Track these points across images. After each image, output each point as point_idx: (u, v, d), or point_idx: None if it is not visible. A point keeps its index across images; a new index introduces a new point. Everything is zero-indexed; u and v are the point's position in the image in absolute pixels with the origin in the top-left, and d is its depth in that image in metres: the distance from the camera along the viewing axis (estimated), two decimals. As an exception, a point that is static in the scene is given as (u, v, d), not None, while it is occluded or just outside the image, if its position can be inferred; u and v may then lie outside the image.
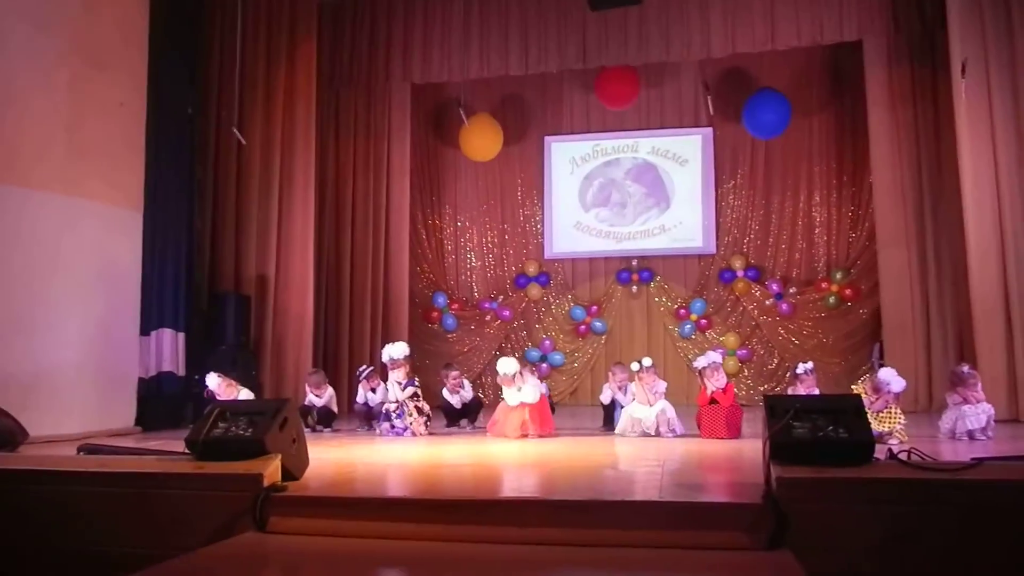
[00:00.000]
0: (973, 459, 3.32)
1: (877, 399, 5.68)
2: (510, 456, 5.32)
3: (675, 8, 9.64)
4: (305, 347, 9.20)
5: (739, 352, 11.08)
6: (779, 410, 3.45)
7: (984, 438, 5.65)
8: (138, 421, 7.18)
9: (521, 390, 6.50)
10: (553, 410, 7.18)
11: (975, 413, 5.67)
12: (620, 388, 6.86)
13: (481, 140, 11.17)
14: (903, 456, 3.32)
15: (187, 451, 3.90)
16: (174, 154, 8.03)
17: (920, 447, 3.79)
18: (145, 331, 7.46)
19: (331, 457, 5.12)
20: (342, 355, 10.21)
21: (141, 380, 7.36)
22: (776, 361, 11.08)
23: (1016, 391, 7.61)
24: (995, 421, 5.84)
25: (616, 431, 6.50)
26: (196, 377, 7.84)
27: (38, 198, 6.39)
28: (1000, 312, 7.78)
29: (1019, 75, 7.83)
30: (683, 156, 11.60)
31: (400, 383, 6.75)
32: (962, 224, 8.17)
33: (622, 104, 11.21)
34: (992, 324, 7.79)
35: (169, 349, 7.67)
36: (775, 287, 11.06)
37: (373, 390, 7.28)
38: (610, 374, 7.10)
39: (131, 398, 7.18)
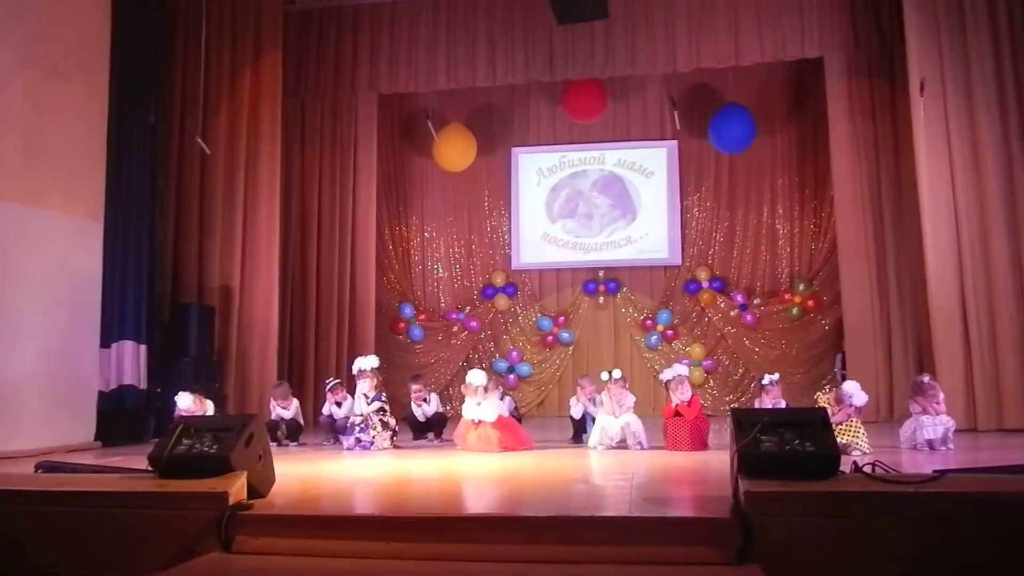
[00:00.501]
0: (935, 472, 3.38)
1: (839, 411, 5.76)
2: (478, 471, 5.29)
3: (641, 23, 9.74)
4: (270, 359, 9.08)
5: (705, 363, 11.18)
6: (746, 424, 3.49)
7: (944, 449, 5.76)
8: (98, 436, 7.03)
9: (480, 405, 6.45)
10: (519, 423, 7.16)
11: (933, 424, 5.78)
12: (589, 399, 6.87)
13: (455, 150, 11.15)
14: (868, 469, 3.37)
15: (150, 468, 3.83)
16: (136, 163, 7.89)
17: (882, 458, 3.86)
18: (106, 343, 7.31)
19: (297, 473, 5.06)
20: (308, 367, 10.10)
21: (101, 394, 7.20)
22: (741, 371, 11.21)
23: (974, 401, 7.77)
24: (954, 432, 5.95)
25: (589, 443, 6.48)
26: (158, 390, 7.71)
27: (-6, 208, 6.25)
28: (958, 323, 7.94)
29: (974, 91, 8.03)
30: (649, 168, 11.70)
31: (367, 395, 6.69)
32: (921, 237, 8.34)
33: (589, 117, 11.29)
34: (950, 335, 7.96)
35: (130, 362, 7.51)
36: (739, 298, 11.19)
37: (339, 403, 7.19)
38: (578, 388, 7.09)
39: (91, 412, 7.03)
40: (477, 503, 4.21)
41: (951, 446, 5.82)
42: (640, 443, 6.25)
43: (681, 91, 11.37)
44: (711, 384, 11.22)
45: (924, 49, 8.16)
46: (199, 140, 8.31)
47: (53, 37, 6.75)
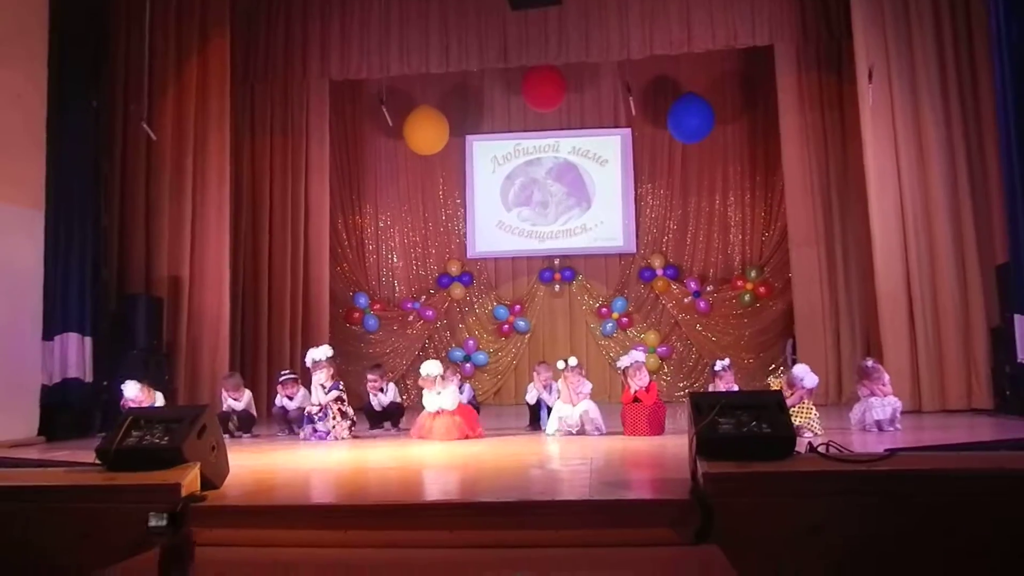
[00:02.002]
0: (887, 450, 3.45)
1: (791, 394, 5.86)
2: (436, 458, 5.27)
3: (594, 10, 9.75)
4: (221, 350, 8.89)
5: (659, 349, 11.29)
6: (704, 407, 3.52)
7: (892, 429, 5.91)
8: (41, 430, 6.81)
9: (440, 394, 6.43)
10: (478, 411, 7.15)
11: (881, 405, 5.93)
12: (545, 387, 6.88)
13: (427, 132, 11.00)
14: (822, 449, 3.43)
15: (98, 462, 3.72)
16: (78, 149, 7.59)
17: (833, 439, 3.93)
18: (48, 336, 7.07)
19: (252, 464, 4.97)
20: (260, 358, 9.93)
21: (44, 387, 6.97)
22: (695, 358, 11.35)
23: (919, 383, 7.99)
24: (901, 412, 6.11)
25: (546, 430, 6.50)
26: (105, 383, 7.50)
27: (-72, 195, 6.00)
28: (904, 308, 8.15)
29: (919, 83, 8.22)
30: (603, 156, 11.75)
31: (324, 385, 6.60)
32: (867, 224, 8.54)
33: (548, 106, 11.28)
34: (896, 319, 8.16)
35: (75, 354, 7.27)
36: (693, 285, 11.33)
37: (290, 397, 7.10)
38: (534, 374, 7.11)
39: (33, 406, 6.80)
40: (437, 490, 4.18)
41: (899, 426, 5.97)
42: (598, 429, 6.28)
43: (636, 80, 11.42)
44: (666, 370, 11.34)
45: (871, 39, 8.34)
46: (144, 126, 8.06)
47: (-11, 20, 6.49)
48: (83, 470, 3.78)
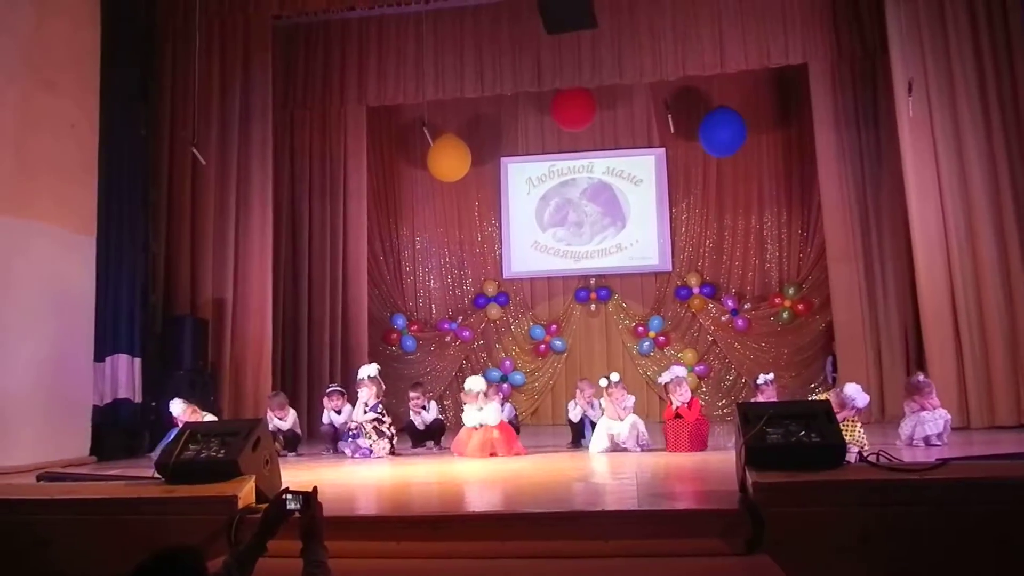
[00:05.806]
0: (938, 460, 3.43)
1: (840, 412, 5.81)
2: (482, 474, 5.30)
3: (627, 33, 9.84)
4: (264, 371, 9.03)
5: (697, 368, 11.23)
6: (752, 417, 3.53)
7: (940, 443, 5.83)
8: (93, 450, 6.97)
9: (482, 410, 6.47)
10: (518, 430, 7.18)
11: (933, 419, 5.86)
12: (589, 403, 6.89)
13: (450, 160, 11.11)
14: (872, 459, 3.41)
15: (156, 475, 3.82)
16: (127, 175, 7.85)
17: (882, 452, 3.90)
18: (99, 357, 7.25)
19: (300, 480, 5.04)
20: (301, 379, 10.07)
21: (96, 408, 7.14)
22: (733, 376, 11.27)
23: (966, 399, 7.84)
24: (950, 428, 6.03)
25: (590, 447, 6.50)
26: (153, 404, 7.66)
27: (-14, 220, 6.22)
28: (948, 322, 8.03)
29: (957, 96, 8.16)
30: (637, 176, 11.78)
31: (366, 404, 6.69)
32: (907, 238, 8.47)
33: (578, 126, 11.35)
34: (941, 334, 8.04)
35: (125, 375, 7.45)
36: (730, 303, 11.27)
37: (337, 411, 7.19)
38: (577, 391, 7.12)
39: (85, 426, 6.97)
40: (485, 502, 4.21)
41: (946, 439, 5.90)
42: (644, 444, 6.29)
43: (669, 97, 11.44)
44: (704, 389, 11.25)
45: (907, 54, 8.30)
46: (194, 150, 8.25)
47: (44, 47, 6.73)
48: (142, 483, 3.88)
